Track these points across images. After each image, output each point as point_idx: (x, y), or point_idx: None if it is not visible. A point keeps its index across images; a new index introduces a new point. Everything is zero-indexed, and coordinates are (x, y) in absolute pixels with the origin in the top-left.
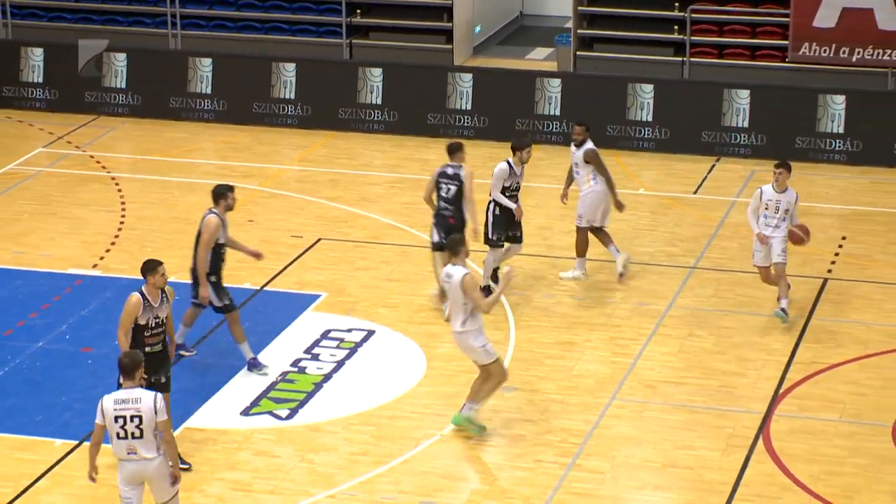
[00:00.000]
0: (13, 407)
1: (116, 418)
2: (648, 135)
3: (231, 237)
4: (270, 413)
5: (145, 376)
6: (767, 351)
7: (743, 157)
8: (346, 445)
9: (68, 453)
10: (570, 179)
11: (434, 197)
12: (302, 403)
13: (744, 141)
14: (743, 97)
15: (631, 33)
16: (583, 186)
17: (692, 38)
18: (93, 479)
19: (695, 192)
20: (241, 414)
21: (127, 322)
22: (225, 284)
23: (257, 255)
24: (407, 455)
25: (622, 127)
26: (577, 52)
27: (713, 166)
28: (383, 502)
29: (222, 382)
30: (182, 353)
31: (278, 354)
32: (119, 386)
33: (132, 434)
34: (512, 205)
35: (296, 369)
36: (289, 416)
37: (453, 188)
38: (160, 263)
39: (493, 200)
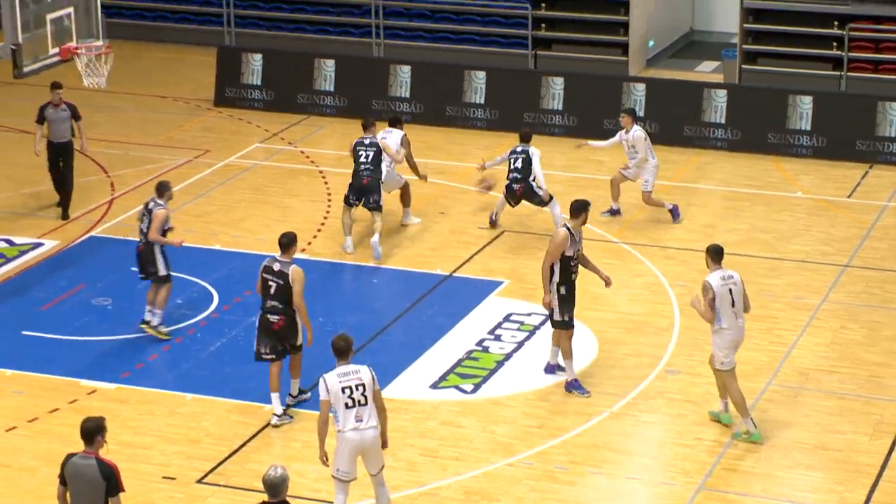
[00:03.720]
0: (229, 374)
1: (343, 389)
2: (806, 142)
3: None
4: (456, 387)
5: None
6: None
7: (895, 164)
8: (523, 419)
9: None
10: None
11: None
12: (485, 379)
13: None
14: None
15: (793, 49)
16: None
17: (850, 54)
18: (325, 463)
19: (848, 196)
20: (430, 387)
21: (301, 299)
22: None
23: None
24: (579, 429)
25: (782, 135)
26: (743, 66)
27: (866, 173)
28: (556, 471)
29: (413, 358)
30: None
31: (465, 334)
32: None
33: (359, 402)
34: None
35: (480, 348)
36: (473, 391)
37: (371, 153)
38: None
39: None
